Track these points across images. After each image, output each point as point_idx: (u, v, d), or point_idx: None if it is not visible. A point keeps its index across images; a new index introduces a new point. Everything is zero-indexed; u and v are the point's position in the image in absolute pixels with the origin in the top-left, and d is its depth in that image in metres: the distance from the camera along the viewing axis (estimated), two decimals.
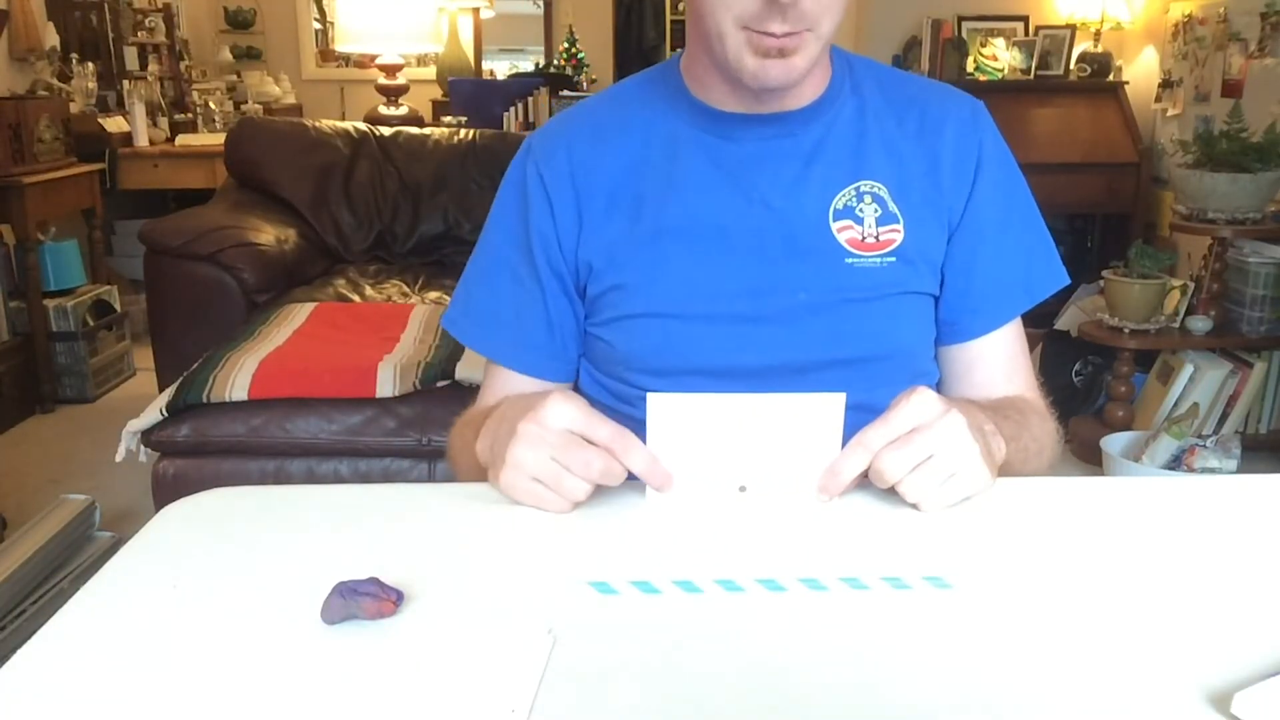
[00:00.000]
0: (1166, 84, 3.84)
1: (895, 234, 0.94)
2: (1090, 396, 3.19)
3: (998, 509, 0.80)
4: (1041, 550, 0.74)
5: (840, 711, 0.56)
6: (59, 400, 3.42)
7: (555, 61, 6.59)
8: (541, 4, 7.05)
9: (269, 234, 2.93)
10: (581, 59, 6.50)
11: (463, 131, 3.58)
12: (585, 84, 6.13)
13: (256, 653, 0.61)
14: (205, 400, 2.01)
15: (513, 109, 4.68)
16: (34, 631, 0.63)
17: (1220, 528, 0.79)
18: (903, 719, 0.56)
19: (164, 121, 4.49)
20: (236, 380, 2.03)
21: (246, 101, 5.14)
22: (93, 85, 4.18)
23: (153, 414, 2.01)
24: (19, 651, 0.61)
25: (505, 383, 1.00)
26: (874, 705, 0.56)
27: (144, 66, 4.82)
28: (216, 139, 4.11)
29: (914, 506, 0.78)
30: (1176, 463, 2.55)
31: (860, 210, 0.94)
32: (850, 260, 0.93)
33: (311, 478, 2.05)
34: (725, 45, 0.86)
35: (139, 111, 4.16)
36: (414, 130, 3.62)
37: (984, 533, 0.77)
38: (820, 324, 0.94)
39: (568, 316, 0.99)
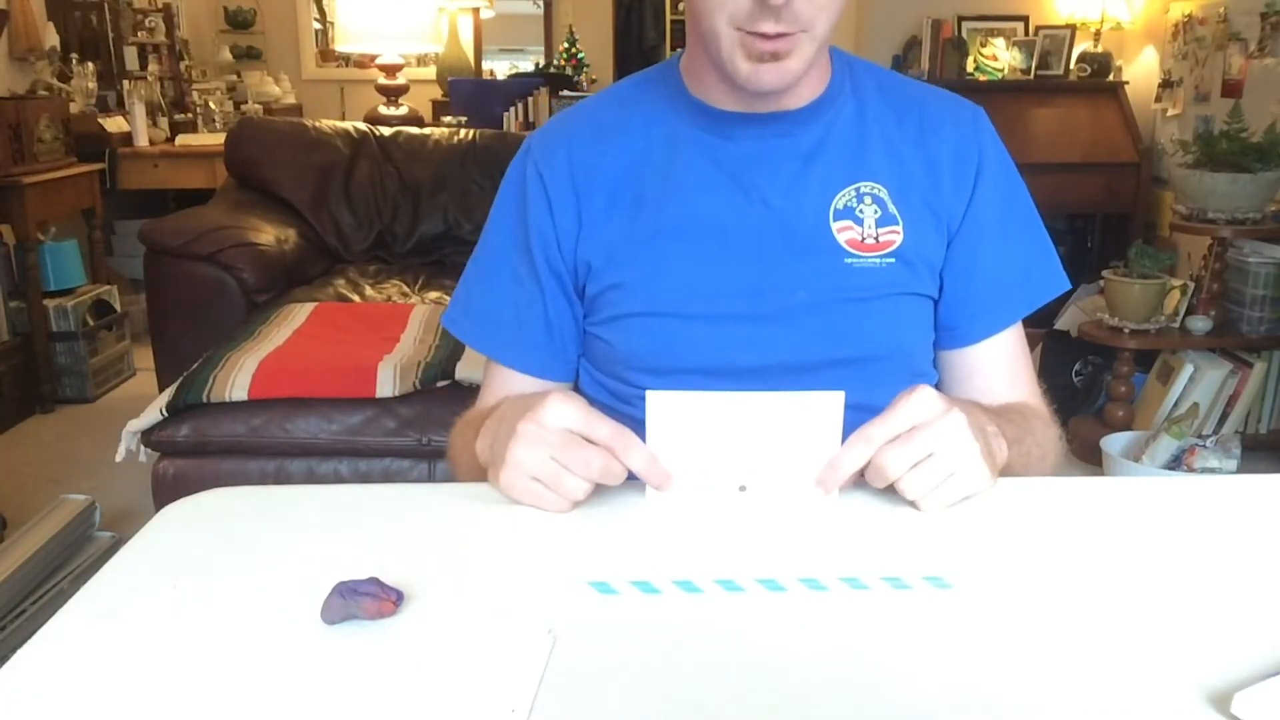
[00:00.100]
0: (1166, 84, 3.84)
1: (895, 235, 0.94)
2: (1090, 396, 3.19)
3: (998, 509, 0.80)
4: (1041, 550, 0.74)
5: (840, 711, 0.56)
6: (59, 400, 3.42)
7: (555, 61, 6.59)
8: (541, 4, 7.05)
9: (269, 234, 2.93)
10: (581, 59, 6.50)
11: (463, 131, 3.58)
12: (585, 84, 6.13)
13: (256, 653, 0.61)
14: (205, 400, 2.01)
15: (513, 109, 4.68)
16: (34, 631, 0.63)
17: (1220, 528, 0.79)
18: (902, 719, 0.56)
19: (164, 121, 4.50)
20: (236, 380, 2.03)
21: (246, 101, 5.14)
22: (93, 85, 4.19)
23: (153, 414, 2.01)
24: (19, 651, 0.61)
25: (505, 382, 1.01)
26: (874, 705, 0.56)
27: (144, 66, 4.82)
28: (216, 139, 4.12)
29: (912, 505, 0.78)
30: (1176, 463, 2.55)
31: (860, 211, 0.94)
32: (850, 260, 0.93)
33: (311, 478, 2.05)
34: (719, 45, 0.87)
35: (139, 111, 4.16)
36: (414, 130, 3.62)
37: (984, 533, 0.77)
38: (819, 323, 0.94)
39: (567, 316, 0.99)
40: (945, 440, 0.77)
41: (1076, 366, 3.23)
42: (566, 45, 6.54)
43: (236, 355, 2.13)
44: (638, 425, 0.79)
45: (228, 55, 5.87)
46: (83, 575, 2.04)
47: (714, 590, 0.68)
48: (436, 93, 5.36)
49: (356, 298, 2.89)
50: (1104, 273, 2.93)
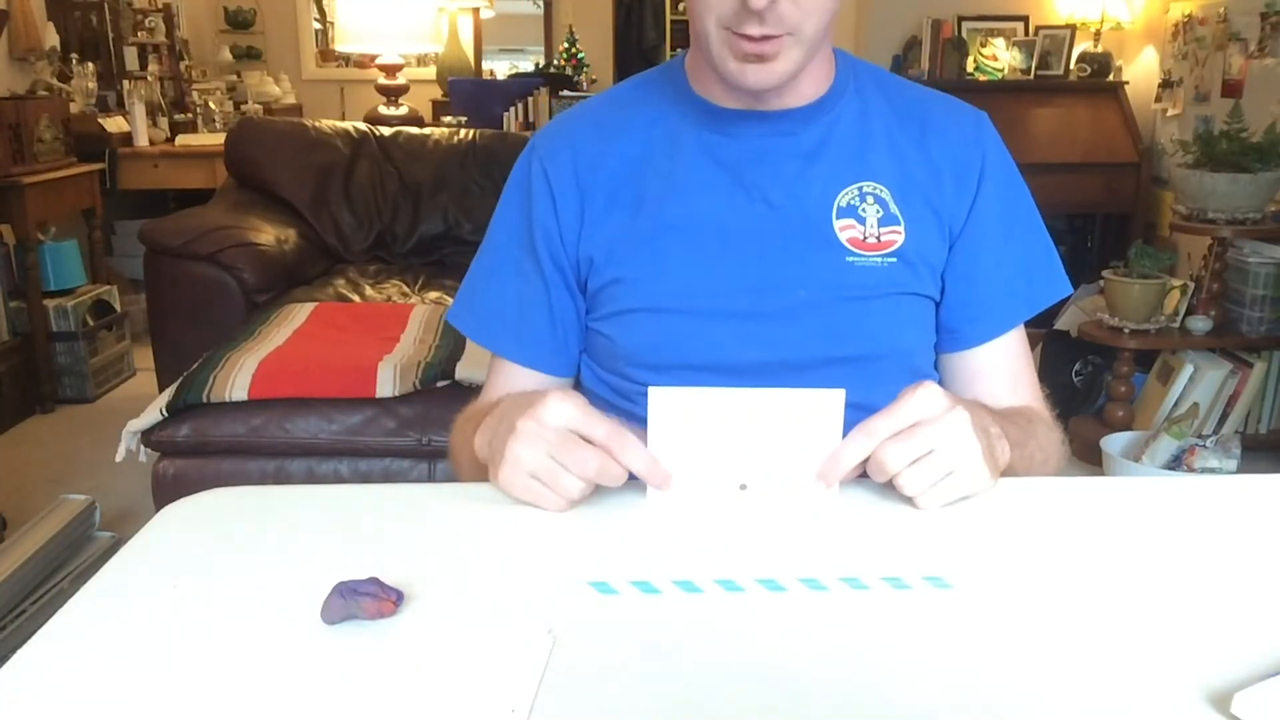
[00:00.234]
0: (1166, 84, 3.84)
1: (896, 235, 0.94)
2: (1090, 396, 3.19)
3: (998, 509, 0.80)
4: (1041, 550, 0.74)
5: (840, 711, 0.56)
6: (59, 400, 3.42)
7: (555, 61, 6.59)
8: (541, 4, 7.05)
9: (269, 234, 2.93)
10: (581, 59, 6.50)
11: (463, 131, 3.58)
12: (585, 84, 6.13)
13: (256, 653, 0.61)
14: (205, 400, 2.01)
15: (513, 109, 4.68)
16: (34, 631, 0.63)
17: (1220, 528, 0.79)
18: (902, 719, 0.56)
19: (164, 121, 4.49)
20: (236, 380, 2.03)
21: (246, 101, 5.14)
22: (93, 85, 4.18)
23: (153, 414, 2.01)
24: (19, 651, 0.61)
25: (508, 377, 1.01)
26: (874, 705, 0.56)
27: (144, 66, 4.82)
28: (216, 139, 4.11)
29: (910, 502, 0.78)
30: (1176, 463, 2.55)
31: (863, 210, 0.94)
32: (851, 259, 0.93)
33: (311, 478, 2.05)
34: (710, 45, 0.88)
35: (139, 111, 4.16)
36: (414, 130, 3.63)
37: (984, 533, 0.77)
38: (819, 321, 0.94)
39: (570, 312, 0.99)
40: (946, 438, 0.77)
41: (1076, 366, 3.23)
42: (566, 45, 6.54)
43: (236, 355, 2.13)
44: (639, 421, 0.79)
45: (228, 55, 5.87)
46: (83, 575, 2.04)
47: (714, 590, 0.68)
48: (436, 93, 5.36)
49: (356, 298, 2.89)
50: (1104, 273, 2.93)
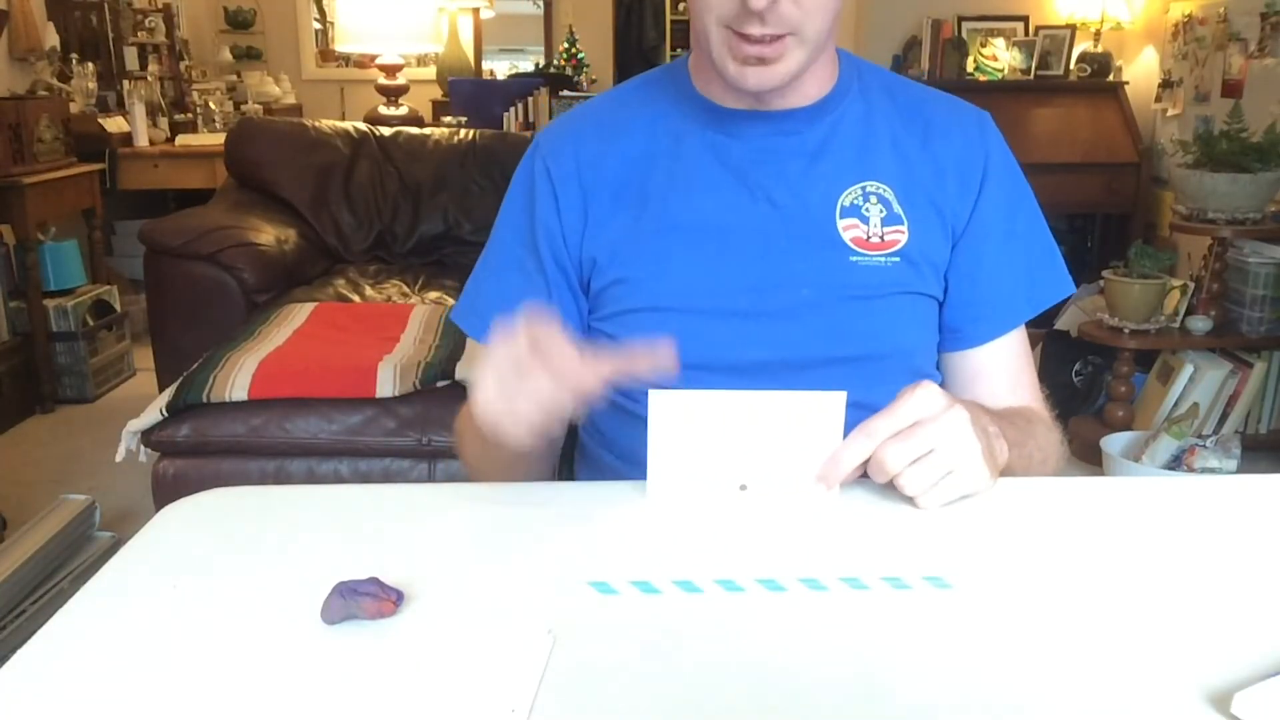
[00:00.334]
0: (1166, 84, 3.84)
1: (900, 235, 0.94)
2: (1090, 396, 3.19)
3: (998, 509, 0.80)
4: (1041, 550, 0.74)
5: (840, 711, 0.56)
6: (59, 400, 3.42)
7: (555, 61, 6.59)
8: (541, 4, 7.06)
9: (269, 234, 2.93)
10: (581, 59, 6.50)
11: (463, 131, 3.58)
12: (585, 84, 6.14)
13: (256, 653, 0.61)
14: (205, 400, 2.01)
15: (513, 109, 4.68)
16: (34, 631, 0.63)
17: (1220, 528, 0.79)
18: (902, 719, 0.56)
19: (164, 121, 4.49)
20: (236, 380, 2.03)
21: (246, 101, 5.14)
22: (93, 85, 4.19)
23: (153, 414, 2.01)
24: (19, 651, 0.61)
25: None
26: (874, 705, 0.56)
27: (144, 66, 4.82)
28: (216, 139, 4.12)
29: (910, 501, 0.78)
30: (1176, 463, 2.55)
31: (866, 210, 0.94)
32: (855, 258, 0.93)
33: (311, 478, 2.05)
34: (710, 45, 0.88)
35: (139, 111, 4.16)
36: (414, 130, 3.63)
37: (984, 533, 0.77)
38: (822, 320, 0.94)
39: (572, 311, 1.00)
40: (946, 437, 0.77)
41: (1076, 366, 3.23)
42: (566, 45, 6.54)
43: (236, 355, 2.13)
44: (640, 421, 0.79)
45: (228, 55, 5.87)
46: (83, 575, 2.04)
47: (714, 590, 0.68)
48: (436, 93, 5.36)
49: (356, 298, 2.89)
50: (1104, 273, 2.93)
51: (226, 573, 0.71)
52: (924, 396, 0.78)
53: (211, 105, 4.63)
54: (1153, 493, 0.88)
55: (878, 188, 0.95)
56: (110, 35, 4.64)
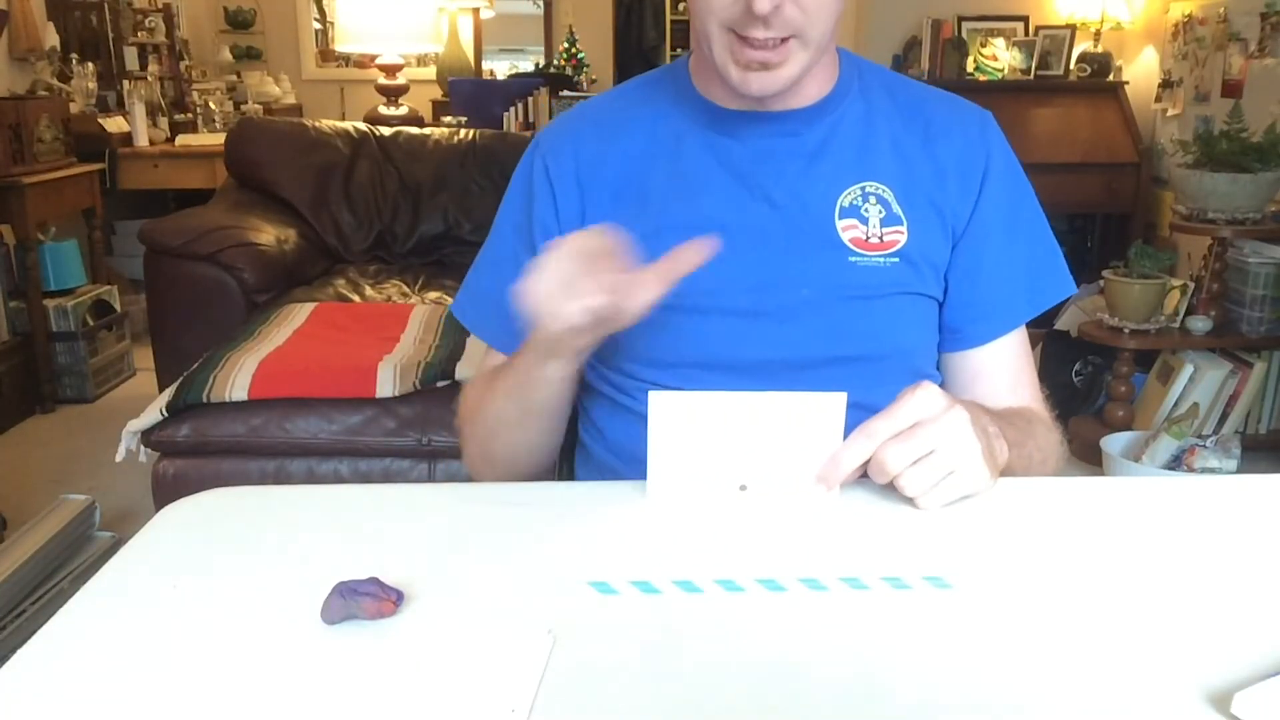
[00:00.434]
0: (1166, 84, 3.84)
1: (899, 235, 0.94)
2: (1090, 396, 3.19)
3: (998, 509, 0.80)
4: (1041, 550, 0.74)
5: (840, 711, 0.56)
6: (59, 400, 3.42)
7: (555, 61, 6.59)
8: (541, 4, 7.05)
9: (269, 234, 2.93)
10: (581, 59, 6.50)
11: (463, 131, 3.58)
12: (585, 84, 6.14)
13: (256, 653, 0.61)
14: (205, 400, 2.01)
15: (513, 109, 4.68)
16: (34, 631, 0.63)
17: (1220, 528, 0.79)
18: (902, 719, 0.56)
19: (164, 121, 4.49)
20: (236, 380, 2.03)
21: (246, 101, 5.14)
22: (93, 85, 4.18)
23: (153, 414, 2.01)
24: (19, 651, 0.61)
25: None
26: (874, 705, 0.56)
27: (144, 66, 4.82)
28: (216, 139, 4.11)
29: (911, 502, 0.78)
30: (1176, 463, 2.55)
31: (865, 210, 0.94)
32: (854, 259, 0.93)
33: (311, 478, 2.05)
34: (712, 48, 0.88)
35: (139, 111, 4.16)
36: (414, 130, 3.63)
37: (984, 533, 0.77)
38: (821, 321, 0.94)
39: None
40: (946, 438, 0.77)
41: (1076, 366, 3.23)
42: (566, 45, 6.54)
43: (236, 355, 2.13)
44: (640, 420, 0.79)
45: (228, 55, 5.87)
46: (83, 575, 2.04)
47: (714, 590, 0.68)
48: (436, 93, 5.36)
49: (356, 298, 2.89)
50: (1104, 273, 2.93)
51: (226, 573, 0.71)
52: (924, 397, 0.78)
53: (211, 105, 4.63)
54: (1153, 493, 0.88)
55: (877, 188, 0.95)
56: (110, 35, 4.64)
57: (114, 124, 4.07)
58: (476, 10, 5.93)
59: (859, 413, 0.79)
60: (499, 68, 7.17)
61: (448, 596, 0.67)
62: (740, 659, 0.60)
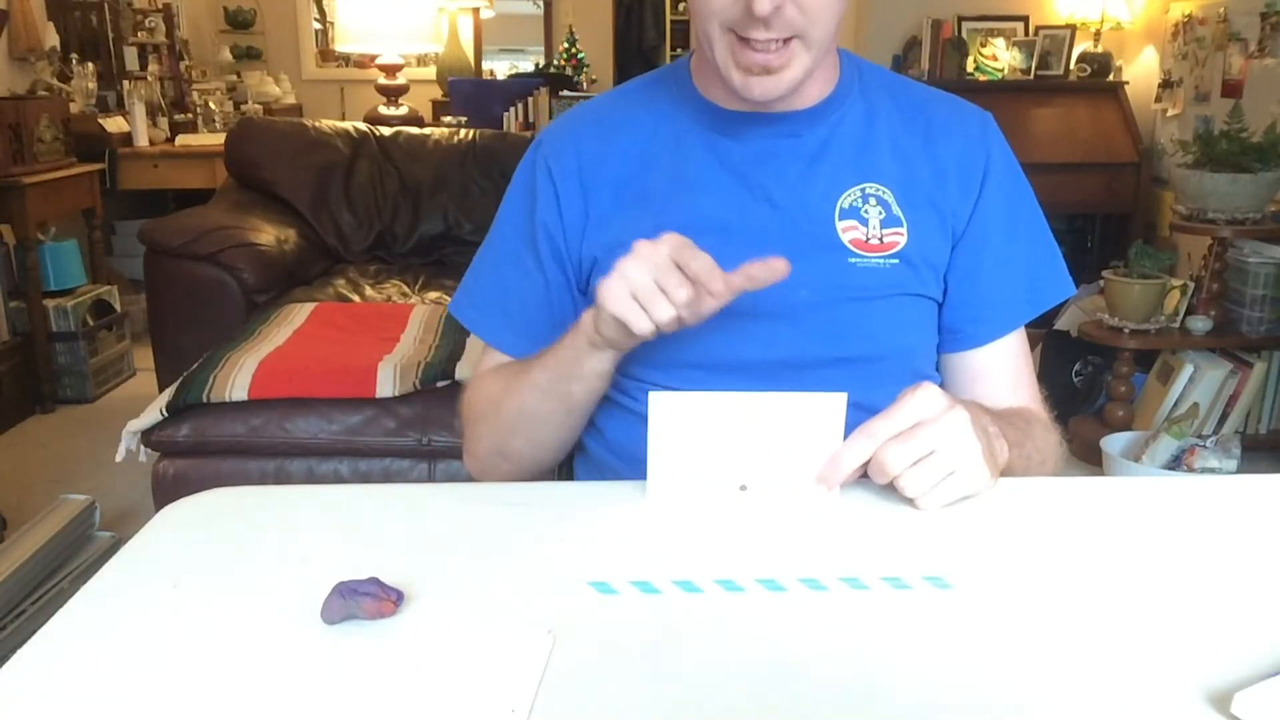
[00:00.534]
0: (1166, 84, 3.84)
1: (899, 237, 0.94)
2: (1090, 396, 3.19)
3: (998, 509, 0.80)
4: (1041, 550, 0.74)
5: (840, 711, 0.56)
6: (59, 400, 3.41)
7: (555, 61, 6.59)
8: (541, 4, 7.05)
9: (269, 234, 2.93)
10: (581, 59, 6.50)
11: (463, 131, 3.58)
12: (585, 84, 6.14)
13: (256, 653, 0.61)
14: (205, 400, 2.01)
15: (513, 109, 4.68)
16: (34, 631, 0.63)
17: (1220, 528, 0.79)
18: (902, 719, 0.56)
19: (164, 121, 4.49)
20: (236, 380, 2.03)
21: (246, 101, 5.14)
22: (93, 85, 4.18)
23: (153, 414, 2.01)
24: (19, 651, 0.61)
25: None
26: (874, 705, 0.56)
27: (144, 66, 4.82)
28: (216, 139, 4.11)
29: (911, 502, 0.78)
30: (1176, 463, 2.55)
31: (865, 211, 0.94)
32: (854, 260, 0.93)
33: (311, 478, 2.05)
34: (714, 49, 0.88)
35: (139, 111, 4.16)
36: (414, 130, 3.62)
37: (984, 533, 0.77)
38: (821, 321, 0.94)
39: (569, 309, 1.00)
40: (947, 438, 0.77)
41: (1076, 366, 3.23)
42: (566, 45, 6.54)
43: (236, 355, 2.13)
44: (640, 420, 0.79)
45: (228, 55, 5.87)
46: (83, 575, 2.04)
47: (714, 590, 0.68)
48: (436, 93, 5.36)
49: (356, 298, 2.89)
50: (1104, 273, 2.93)
51: (226, 573, 0.71)
52: (924, 398, 0.78)
53: (211, 105, 4.63)
54: (1153, 493, 0.88)
55: (877, 189, 0.95)
56: (110, 35, 4.63)
57: (114, 124, 4.07)
58: (476, 10, 5.93)
59: (859, 413, 0.79)
60: (499, 68, 7.17)
61: (448, 596, 0.67)
62: (740, 659, 0.60)
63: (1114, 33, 4.10)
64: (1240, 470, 2.51)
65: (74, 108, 3.94)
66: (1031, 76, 4.12)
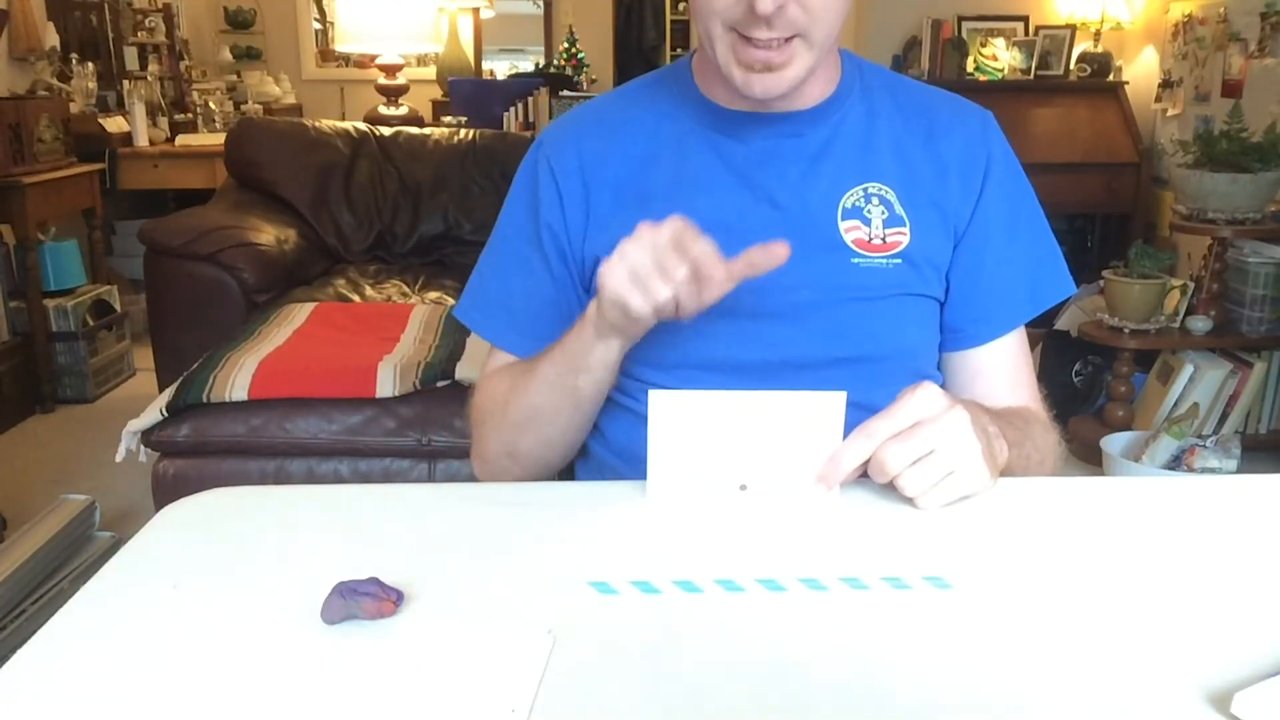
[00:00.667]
0: (1166, 84, 3.84)
1: (901, 236, 0.94)
2: (1090, 396, 3.19)
3: (998, 509, 0.80)
4: (1041, 550, 0.74)
5: (840, 711, 0.56)
6: (59, 400, 3.42)
7: (555, 61, 6.60)
8: (541, 4, 7.06)
9: (269, 234, 2.93)
10: (581, 59, 6.51)
11: (463, 131, 3.58)
12: (585, 84, 6.14)
13: (256, 653, 0.61)
14: (205, 400, 2.01)
15: (513, 109, 4.68)
16: (34, 631, 0.63)
17: (1220, 528, 0.79)
18: (902, 719, 0.56)
19: (164, 121, 4.49)
20: (236, 380, 2.03)
21: (246, 101, 5.14)
22: (93, 85, 4.18)
23: (153, 414, 2.01)
24: (19, 651, 0.61)
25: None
26: (874, 705, 0.56)
27: (144, 66, 4.82)
28: (216, 139, 4.12)
29: (910, 502, 0.78)
30: (1176, 463, 2.55)
31: (868, 211, 0.94)
32: (856, 260, 0.93)
33: (311, 478, 2.05)
34: (715, 49, 0.87)
35: (139, 111, 4.16)
36: (414, 130, 3.62)
37: (984, 533, 0.77)
38: (823, 322, 0.94)
39: (574, 308, 0.99)
40: (946, 438, 0.77)
41: (1076, 366, 3.23)
42: (566, 45, 6.54)
43: (236, 355, 2.13)
44: (640, 421, 0.79)
45: (228, 55, 5.87)
46: (83, 575, 2.04)
47: (714, 590, 0.68)
48: (436, 93, 5.36)
49: (356, 298, 2.89)
50: (1104, 273, 2.93)
51: (226, 573, 0.71)
52: (924, 397, 0.78)
53: (211, 105, 4.63)
54: (1153, 493, 0.88)
55: (879, 189, 0.95)
56: (110, 35, 4.64)
57: (114, 124, 4.08)
58: (476, 10, 5.94)
59: (860, 413, 0.79)
60: (499, 68, 7.17)
61: (448, 596, 0.67)
62: (740, 659, 0.60)
63: (1114, 33, 4.10)
64: (1240, 470, 2.51)
65: (74, 108, 3.94)
66: (1031, 76, 4.13)
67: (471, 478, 1.03)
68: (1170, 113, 3.81)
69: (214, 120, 4.57)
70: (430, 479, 2.04)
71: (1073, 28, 4.09)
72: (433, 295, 2.95)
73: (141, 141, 4.15)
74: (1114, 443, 2.73)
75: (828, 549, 0.74)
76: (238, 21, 5.97)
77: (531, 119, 4.66)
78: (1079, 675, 0.59)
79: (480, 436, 1.01)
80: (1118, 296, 2.85)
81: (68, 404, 3.42)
